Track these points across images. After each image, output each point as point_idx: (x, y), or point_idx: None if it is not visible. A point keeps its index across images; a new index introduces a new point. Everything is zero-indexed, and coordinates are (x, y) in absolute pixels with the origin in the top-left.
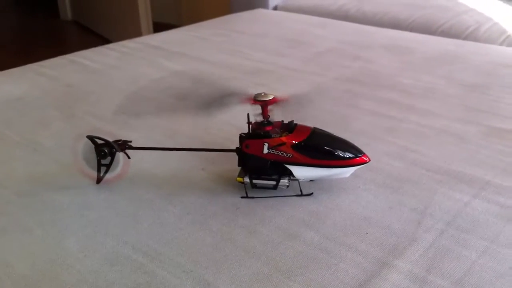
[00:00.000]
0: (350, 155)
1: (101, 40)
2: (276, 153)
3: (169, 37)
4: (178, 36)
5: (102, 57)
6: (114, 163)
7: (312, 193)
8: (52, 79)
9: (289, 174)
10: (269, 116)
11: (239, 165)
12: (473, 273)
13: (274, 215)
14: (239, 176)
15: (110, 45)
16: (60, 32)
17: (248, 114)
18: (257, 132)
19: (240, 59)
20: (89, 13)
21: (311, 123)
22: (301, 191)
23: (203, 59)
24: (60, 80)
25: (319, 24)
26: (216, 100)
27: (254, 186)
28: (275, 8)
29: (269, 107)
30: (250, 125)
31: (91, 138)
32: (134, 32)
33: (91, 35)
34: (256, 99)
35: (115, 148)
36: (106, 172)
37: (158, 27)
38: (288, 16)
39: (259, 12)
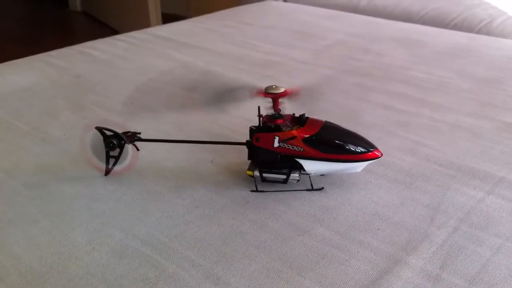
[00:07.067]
0: (362, 149)
1: (111, 31)
2: (287, 146)
3: (177, 28)
4: (187, 27)
5: (111, 48)
6: (122, 155)
7: (323, 188)
8: (61, 69)
9: (300, 168)
10: (280, 109)
11: (249, 159)
12: (487, 270)
13: (284, 209)
14: (249, 169)
15: (119, 36)
16: (69, 23)
17: (258, 107)
18: (268, 125)
19: (249, 51)
20: (99, 4)
21: (322, 117)
22: (311, 185)
23: (211, 51)
24: (69, 71)
25: (329, 16)
26: (227, 94)
27: (264, 180)
28: (286, 0)
29: (280, 100)
30: (261, 118)
31: (100, 130)
32: (143, 23)
33: (101, 26)
34: (267, 92)
35: (124, 140)
36: (114, 164)
37: (167, 18)
38: (298, 8)
39: (268, 4)
